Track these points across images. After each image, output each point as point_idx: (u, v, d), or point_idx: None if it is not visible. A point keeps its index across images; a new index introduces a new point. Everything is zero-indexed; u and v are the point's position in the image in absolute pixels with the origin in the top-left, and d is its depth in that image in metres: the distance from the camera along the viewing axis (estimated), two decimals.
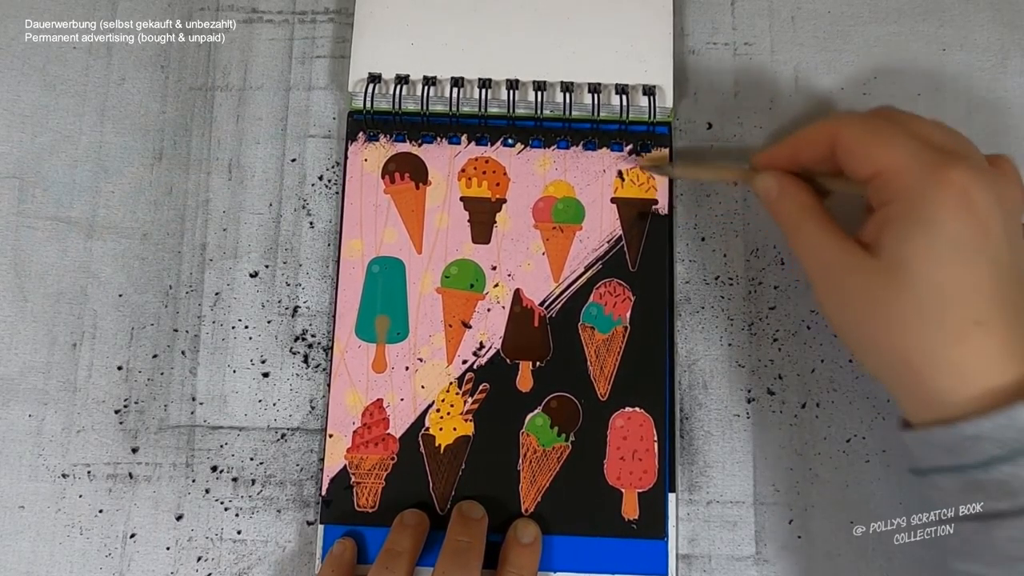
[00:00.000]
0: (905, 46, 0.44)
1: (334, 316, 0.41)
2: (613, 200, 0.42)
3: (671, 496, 0.39)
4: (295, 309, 0.42)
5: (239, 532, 0.40)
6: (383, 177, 0.42)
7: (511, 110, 0.42)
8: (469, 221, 0.42)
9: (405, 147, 0.42)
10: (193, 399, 0.41)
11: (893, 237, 0.30)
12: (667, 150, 0.42)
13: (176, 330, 0.41)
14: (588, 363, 0.40)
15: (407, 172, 0.42)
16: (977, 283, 0.29)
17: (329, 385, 0.40)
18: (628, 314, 0.41)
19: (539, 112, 0.42)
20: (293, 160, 0.43)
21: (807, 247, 0.34)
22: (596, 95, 0.42)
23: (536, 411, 0.40)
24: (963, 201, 0.29)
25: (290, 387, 0.41)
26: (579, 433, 0.40)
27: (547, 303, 0.41)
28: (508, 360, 0.40)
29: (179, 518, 0.40)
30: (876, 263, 0.31)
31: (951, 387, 0.29)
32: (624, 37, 0.43)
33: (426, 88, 0.42)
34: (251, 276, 0.42)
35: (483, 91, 0.42)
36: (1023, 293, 0.30)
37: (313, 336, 0.41)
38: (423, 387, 0.40)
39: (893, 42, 0.44)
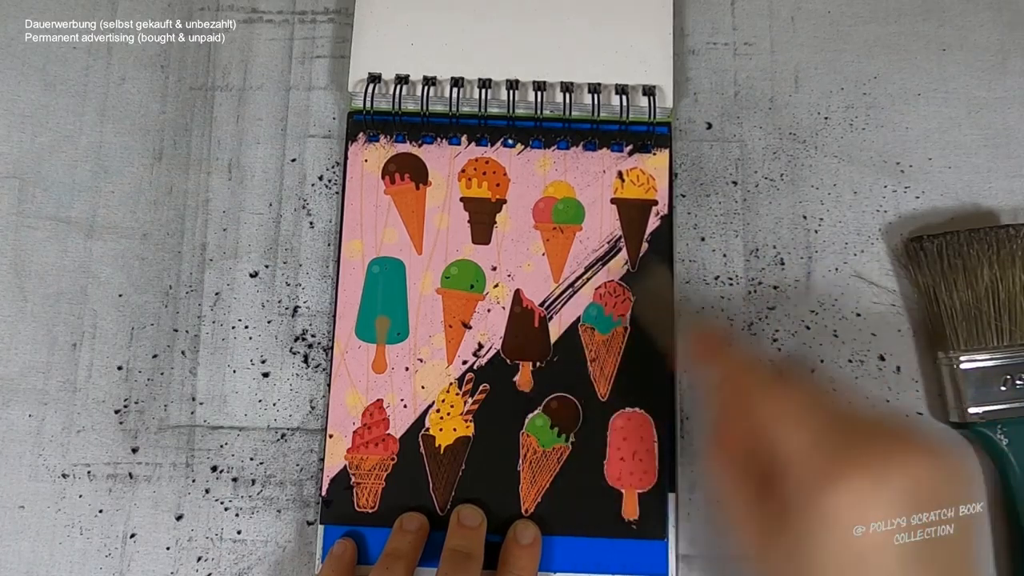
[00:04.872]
0: (905, 46, 0.44)
1: (334, 316, 0.41)
2: (613, 201, 0.42)
3: (671, 496, 0.39)
4: (295, 309, 0.42)
5: (239, 532, 0.40)
6: (383, 177, 0.42)
7: (511, 110, 0.42)
8: (469, 222, 0.42)
9: (405, 147, 0.42)
10: (193, 399, 0.41)
11: (794, 529, 0.30)
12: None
13: (176, 330, 0.41)
14: (588, 364, 0.40)
15: (407, 172, 0.42)
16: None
17: (329, 385, 0.40)
18: (628, 314, 0.41)
19: (539, 112, 0.42)
20: (293, 160, 0.43)
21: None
22: (596, 95, 0.42)
23: (536, 412, 0.40)
24: (853, 515, 0.29)
25: (290, 387, 0.41)
26: (579, 434, 0.40)
27: (547, 304, 0.41)
28: (508, 360, 0.40)
29: (179, 518, 0.40)
30: (785, 539, 0.31)
31: None
32: (624, 37, 0.43)
33: (426, 88, 0.42)
34: (251, 276, 0.42)
35: (483, 91, 0.42)
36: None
37: (313, 336, 0.41)
38: (423, 387, 0.40)
39: (893, 42, 0.44)
